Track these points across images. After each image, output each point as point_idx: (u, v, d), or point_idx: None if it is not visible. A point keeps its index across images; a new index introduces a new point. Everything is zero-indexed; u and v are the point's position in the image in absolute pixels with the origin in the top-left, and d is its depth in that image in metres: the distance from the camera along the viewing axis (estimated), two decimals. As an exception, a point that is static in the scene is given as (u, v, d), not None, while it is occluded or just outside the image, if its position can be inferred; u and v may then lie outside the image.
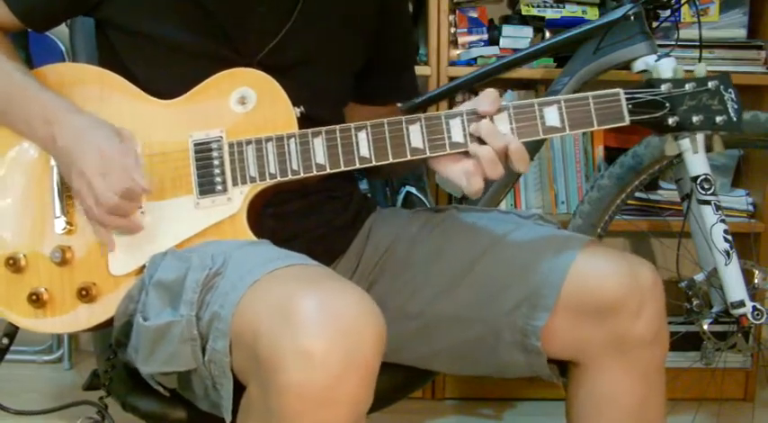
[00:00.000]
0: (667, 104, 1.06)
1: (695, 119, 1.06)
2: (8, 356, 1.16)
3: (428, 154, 1.05)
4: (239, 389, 0.91)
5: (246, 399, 0.90)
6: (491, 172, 1.02)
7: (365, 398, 0.85)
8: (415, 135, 1.05)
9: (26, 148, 1.10)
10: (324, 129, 1.05)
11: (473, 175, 1.04)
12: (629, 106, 1.05)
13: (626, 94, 1.05)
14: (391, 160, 1.05)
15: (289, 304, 0.84)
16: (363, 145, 1.05)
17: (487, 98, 1.04)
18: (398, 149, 1.05)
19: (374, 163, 1.05)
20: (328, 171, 1.05)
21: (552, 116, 1.05)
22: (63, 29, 1.23)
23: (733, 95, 1.06)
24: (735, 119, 1.06)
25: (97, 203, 1.02)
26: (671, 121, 1.06)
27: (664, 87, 1.06)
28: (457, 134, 1.05)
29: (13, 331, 1.15)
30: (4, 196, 1.09)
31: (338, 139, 1.05)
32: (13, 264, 1.06)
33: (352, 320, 0.84)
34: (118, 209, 1.02)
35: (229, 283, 0.92)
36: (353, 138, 1.05)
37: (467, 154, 1.05)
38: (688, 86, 1.06)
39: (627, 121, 1.05)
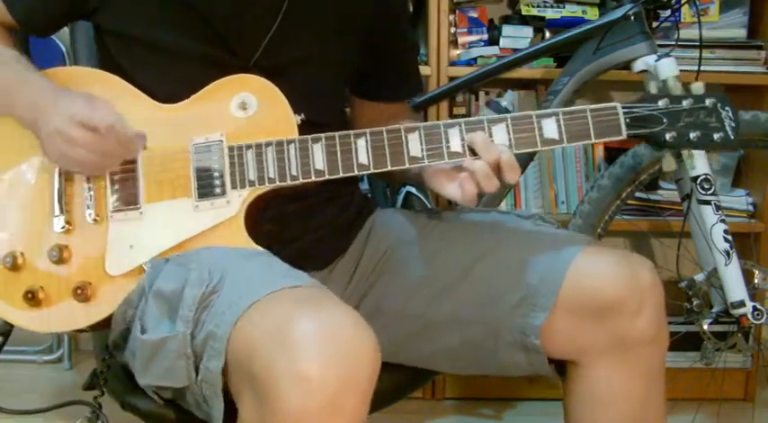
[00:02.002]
0: (665, 120, 1.05)
1: (692, 135, 1.06)
2: (8, 356, 1.16)
3: (426, 162, 1.05)
4: (234, 406, 0.91)
5: (240, 420, 0.89)
6: (486, 185, 1.03)
7: (362, 418, 0.86)
8: (414, 144, 1.05)
9: (27, 147, 1.09)
10: (324, 135, 1.06)
11: (465, 182, 1.03)
12: (627, 120, 1.05)
13: (623, 107, 1.05)
14: (389, 168, 1.05)
15: (285, 327, 0.84)
16: (362, 152, 1.05)
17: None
18: (397, 157, 1.05)
19: (372, 170, 1.05)
20: (327, 177, 1.05)
21: (550, 128, 1.05)
22: (64, 30, 1.24)
23: (730, 113, 1.06)
24: (732, 137, 1.06)
25: (95, 131, 0.98)
26: (668, 136, 1.05)
27: (661, 103, 1.05)
28: (455, 143, 1.05)
29: (7, 330, 1.14)
30: (4, 195, 1.09)
31: (337, 146, 1.05)
32: (11, 262, 1.06)
33: (349, 343, 0.84)
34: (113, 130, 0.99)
35: (225, 302, 0.92)
36: (353, 144, 1.05)
37: (461, 169, 1.05)
38: (685, 103, 1.06)
39: (624, 135, 1.05)
